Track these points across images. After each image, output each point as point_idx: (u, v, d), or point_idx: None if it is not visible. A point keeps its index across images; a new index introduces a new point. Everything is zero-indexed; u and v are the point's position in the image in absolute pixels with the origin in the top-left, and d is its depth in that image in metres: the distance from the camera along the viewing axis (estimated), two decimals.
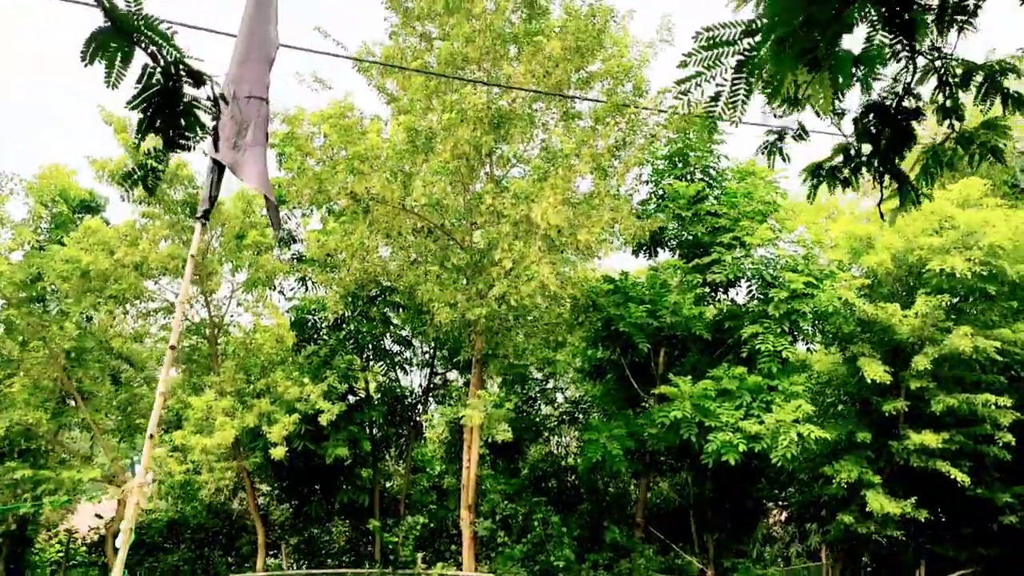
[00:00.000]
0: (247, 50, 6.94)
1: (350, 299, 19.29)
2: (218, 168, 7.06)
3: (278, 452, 17.10)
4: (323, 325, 20.56)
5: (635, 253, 21.62)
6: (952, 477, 18.53)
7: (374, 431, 21.47)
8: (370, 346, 20.90)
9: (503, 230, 14.87)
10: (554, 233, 14.52)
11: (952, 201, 18.84)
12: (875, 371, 17.93)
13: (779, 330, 17.76)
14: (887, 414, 19.21)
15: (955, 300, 18.43)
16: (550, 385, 23.68)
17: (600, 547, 20.32)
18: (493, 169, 16.56)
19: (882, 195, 5.00)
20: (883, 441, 19.79)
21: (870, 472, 19.25)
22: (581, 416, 23.06)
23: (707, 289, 19.61)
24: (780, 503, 26.10)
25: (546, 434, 23.79)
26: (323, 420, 17.51)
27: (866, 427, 19.64)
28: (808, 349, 20.05)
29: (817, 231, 19.32)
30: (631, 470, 20.81)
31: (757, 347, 17.67)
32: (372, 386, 21.65)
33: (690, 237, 19.75)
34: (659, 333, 19.24)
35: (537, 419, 23.30)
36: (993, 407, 18.04)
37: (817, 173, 5.12)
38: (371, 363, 21.39)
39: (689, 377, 17.74)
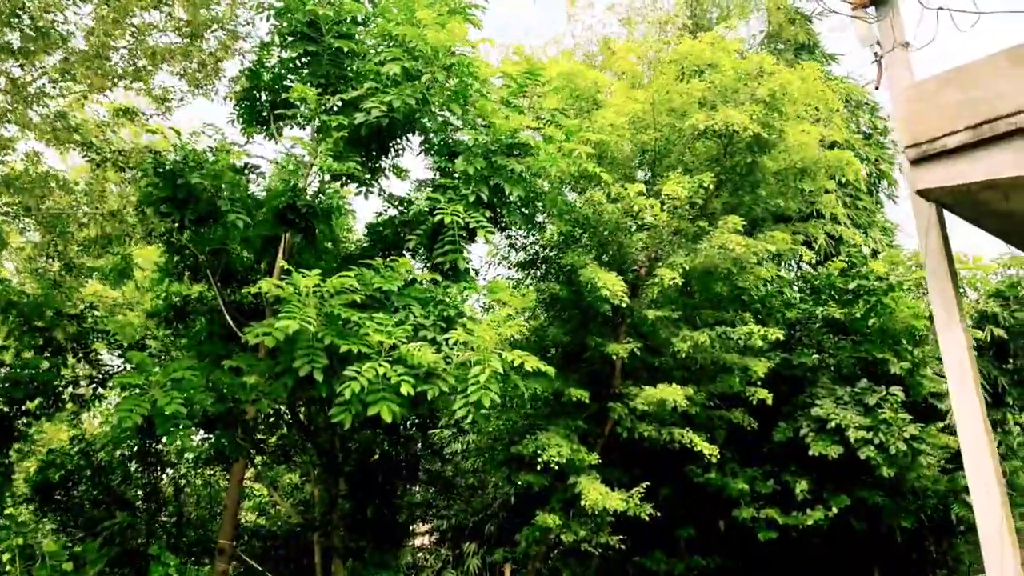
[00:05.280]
0: None
1: None
2: None
3: None
4: None
5: (246, 130, 13.02)
6: (696, 449, 12.73)
7: None
8: None
9: None
10: None
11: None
12: (609, 280, 11.45)
13: (473, 198, 10.47)
14: (613, 358, 12.90)
15: (714, 181, 12.46)
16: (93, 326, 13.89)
17: None
18: None
19: None
20: (603, 404, 13.48)
21: (583, 451, 12.78)
22: None
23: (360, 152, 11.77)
24: (435, 515, 18.87)
25: (74, 407, 13.91)
26: None
27: (583, 383, 13.12)
28: (512, 245, 13.04)
29: (531, 67, 12.40)
30: (210, 450, 12.07)
31: (439, 220, 10.15)
32: None
33: (333, 71, 11.84)
34: (273, 213, 11.02)
35: (57, 381, 13.28)
36: (759, 342, 12.45)
37: None
38: None
39: (317, 272, 9.64)
